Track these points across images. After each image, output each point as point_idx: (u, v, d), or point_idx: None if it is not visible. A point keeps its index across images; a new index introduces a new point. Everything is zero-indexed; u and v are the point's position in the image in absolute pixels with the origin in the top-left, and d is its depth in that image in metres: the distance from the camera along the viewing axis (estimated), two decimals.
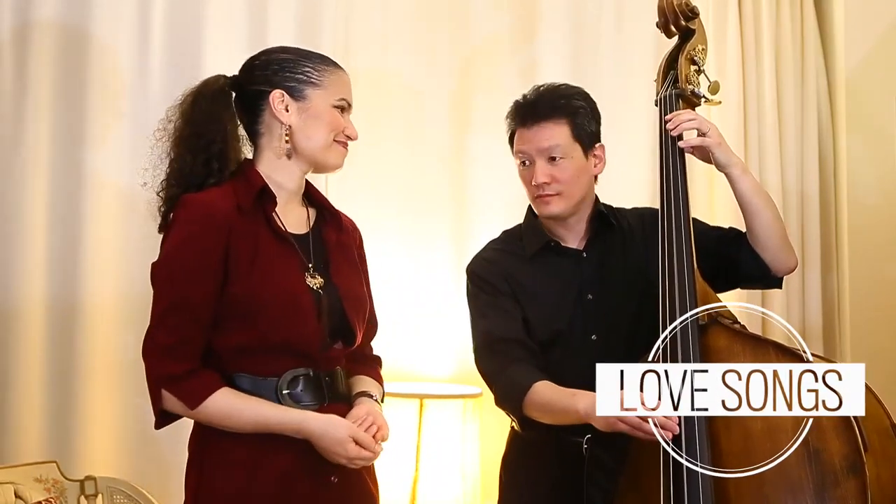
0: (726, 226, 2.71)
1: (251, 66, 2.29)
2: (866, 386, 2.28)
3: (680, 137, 2.50)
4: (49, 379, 3.25)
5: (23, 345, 3.23)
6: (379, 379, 2.42)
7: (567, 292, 2.56)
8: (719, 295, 2.64)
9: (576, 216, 2.59)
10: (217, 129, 2.22)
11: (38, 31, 3.30)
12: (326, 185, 3.47)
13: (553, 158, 2.51)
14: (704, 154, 2.51)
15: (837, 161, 3.94)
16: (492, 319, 2.55)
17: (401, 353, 3.62)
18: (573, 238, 2.61)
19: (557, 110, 2.53)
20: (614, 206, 2.69)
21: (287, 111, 2.22)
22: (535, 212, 2.62)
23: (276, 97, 2.22)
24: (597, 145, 2.58)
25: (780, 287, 2.66)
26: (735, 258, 2.55)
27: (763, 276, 2.57)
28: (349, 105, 2.29)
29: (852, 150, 3.88)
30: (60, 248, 3.30)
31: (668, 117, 2.53)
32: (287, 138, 2.23)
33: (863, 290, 3.84)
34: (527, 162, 2.56)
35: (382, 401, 2.36)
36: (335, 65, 2.29)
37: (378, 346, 3.49)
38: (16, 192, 3.27)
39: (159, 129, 2.26)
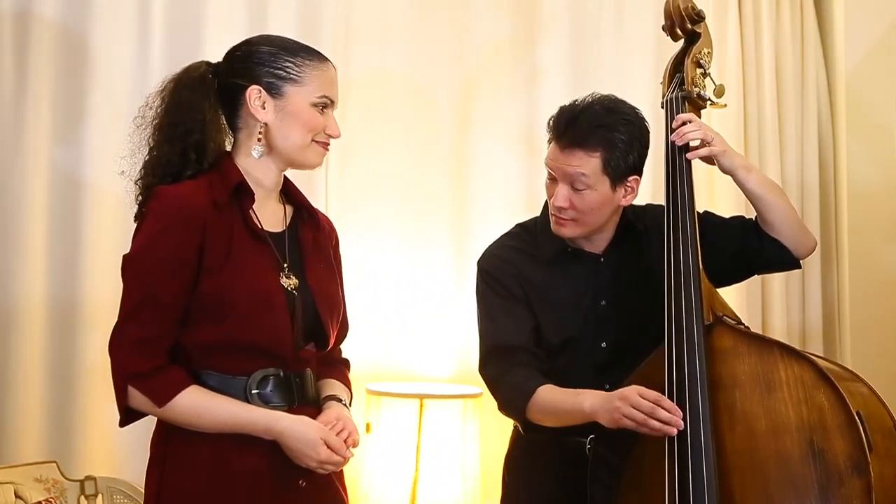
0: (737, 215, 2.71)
1: (232, 56, 2.23)
2: (869, 386, 2.30)
3: (686, 146, 2.49)
4: (49, 379, 3.24)
5: (23, 345, 3.23)
6: (347, 383, 2.35)
7: (582, 298, 2.53)
8: (728, 288, 2.65)
9: (596, 235, 2.54)
10: (195, 118, 2.15)
11: (37, 30, 3.30)
12: (326, 184, 3.49)
13: (576, 186, 2.44)
14: (710, 160, 2.51)
15: (837, 161, 3.94)
16: (500, 324, 2.52)
17: (401, 353, 3.62)
18: (592, 246, 2.57)
19: (593, 139, 2.42)
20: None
21: (263, 108, 2.16)
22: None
23: (253, 93, 2.15)
24: (630, 178, 2.48)
25: (800, 267, 2.68)
26: (758, 247, 2.55)
27: (787, 261, 2.58)
28: (332, 102, 2.21)
29: (852, 151, 3.88)
30: (60, 248, 3.30)
31: (673, 131, 2.51)
32: (260, 137, 2.17)
33: (863, 290, 3.84)
34: (552, 177, 2.50)
35: (350, 405, 2.30)
36: (320, 58, 2.21)
37: (378, 345, 3.53)
38: (16, 192, 3.27)
39: (138, 115, 2.21)
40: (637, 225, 2.59)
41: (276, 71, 2.16)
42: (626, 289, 2.54)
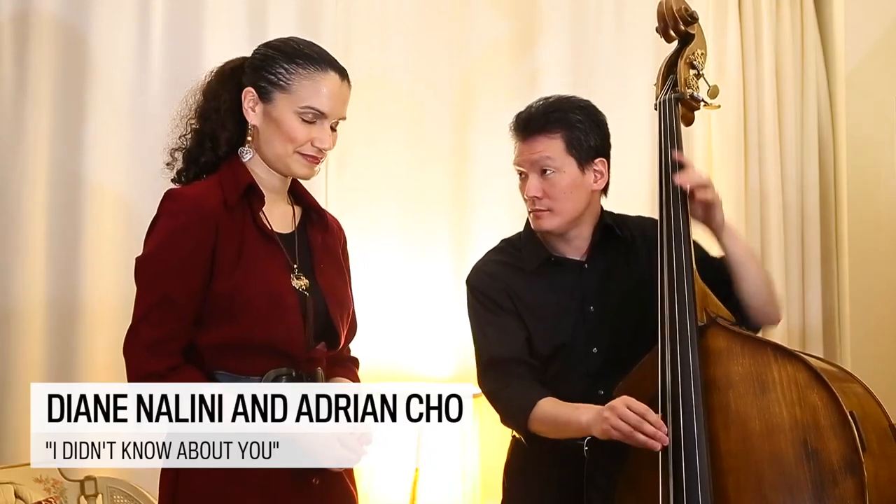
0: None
1: (249, 56, 2.25)
2: (865, 386, 2.29)
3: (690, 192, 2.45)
4: (49, 379, 3.24)
5: (23, 345, 3.23)
6: (357, 381, 2.36)
7: (568, 305, 2.54)
8: None
9: (575, 231, 2.56)
10: (212, 107, 2.19)
11: (37, 30, 3.31)
12: (326, 184, 3.48)
13: (545, 171, 2.49)
14: (709, 210, 2.45)
15: (837, 161, 3.95)
16: (492, 338, 2.53)
17: (401, 353, 3.62)
18: (574, 251, 2.58)
19: (551, 123, 2.49)
20: (616, 212, 2.65)
21: (254, 111, 2.18)
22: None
23: (248, 95, 2.18)
24: (597, 160, 2.53)
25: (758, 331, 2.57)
26: (725, 296, 2.46)
27: (744, 321, 2.50)
28: (322, 114, 2.16)
29: (852, 151, 3.88)
30: (60, 248, 3.30)
31: (674, 165, 2.48)
32: (249, 139, 2.20)
33: (863, 292, 3.84)
34: (523, 175, 2.54)
35: None
36: (318, 68, 2.18)
37: (378, 345, 3.52)
38: (16, 191, 3.28)
39: (184, 107, 2.25)
40: (618, 230, 2.59)
41: (268, 76, 2.17)
42: (613, 294, 2.54)
